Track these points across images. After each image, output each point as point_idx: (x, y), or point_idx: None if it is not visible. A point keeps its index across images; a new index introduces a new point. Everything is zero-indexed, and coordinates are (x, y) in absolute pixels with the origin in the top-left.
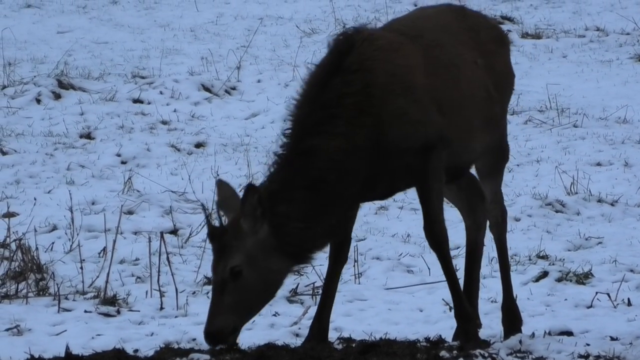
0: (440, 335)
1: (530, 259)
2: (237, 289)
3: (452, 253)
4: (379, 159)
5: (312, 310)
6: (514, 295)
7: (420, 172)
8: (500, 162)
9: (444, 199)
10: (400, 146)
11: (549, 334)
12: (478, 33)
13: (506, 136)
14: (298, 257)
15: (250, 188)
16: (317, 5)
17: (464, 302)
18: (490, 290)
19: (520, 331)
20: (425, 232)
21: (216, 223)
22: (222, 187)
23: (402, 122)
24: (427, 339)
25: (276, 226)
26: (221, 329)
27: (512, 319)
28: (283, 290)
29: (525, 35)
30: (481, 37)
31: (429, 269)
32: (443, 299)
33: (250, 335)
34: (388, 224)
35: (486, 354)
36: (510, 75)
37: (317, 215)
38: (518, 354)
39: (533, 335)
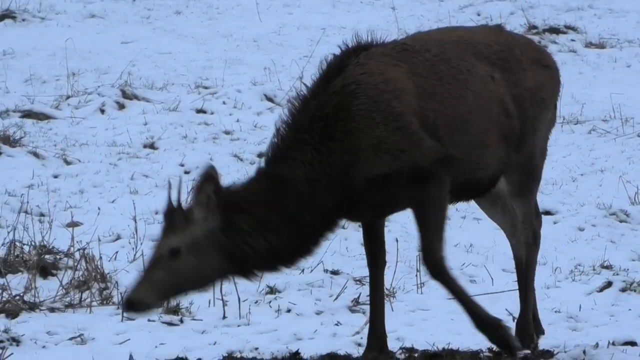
0: None
1: (594, 269)
2: (170, 270)
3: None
4: (354, 190)
5: None
6: (532, 311)
7: (416, 200)
8: (529, 182)
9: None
10: (376, 176)
11: (613, 344)
12: (511, 50)
13: (537, 155)
14: (240, 265)
15: (207, 177)
16: (380, 15)
17: (480, 310)
18: (554, 300)
19: (528, 348)
20: (422, 261)
21: (174, 204)
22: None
23: (378, 151)
24: (490, 349)
25: (228, 225)
26: (141, 301)
27: (522, 336)
28: (345, 300)
29: (589, 44)
30: (514, 54)
31: (492, 279)
32: (506, 309)
33: (313, 345)
34: (450, 234)
35: None
36: (546, 93)
37: (269, 235)
38: None
39: (597, 345)
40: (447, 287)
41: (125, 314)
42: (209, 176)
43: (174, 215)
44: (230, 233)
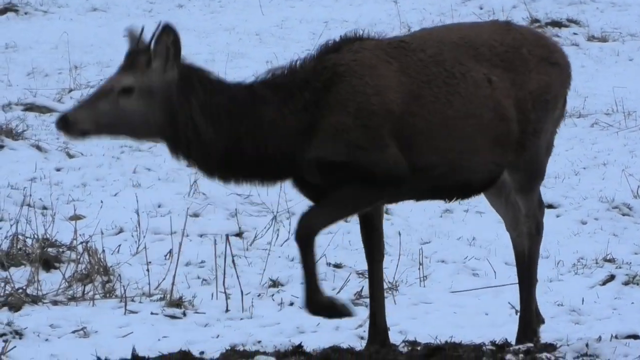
0: (506, 339)
1: (597, 263)
2: (116, 106)
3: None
4: (299, 158)
5: None
6: (535, 304)
7: (342, 188)
8: (532, 181)
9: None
10: (324, 158)
11: (616, 337)
12: (518, 49)
13: (542, 154)
14: (176, 134)
15: (165, 28)
16: (382, 9)
17: (318, 293)
18: (557, 293)
19: (531, 342)
20: (298, 222)
21: (141, 46)
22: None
23: (338, 137)
24: (492, 343)
25: (183, 87)
26: (76, 123)
27: (525, 330)
28: (348, 293)
29: (591, 38)
30: (521, 53)
31: (494, 272)
32: (509, 303)
33: (315, 338)
34: (453, 227)
35: (552, 357)
36: (551, 94)
37: (212, 124)
38: (584, 357)
39: (600, 338)
40: (301, 255)
41: (56, 127)
42: (168, 27)
43: (138, 56)
44: (182, 95)
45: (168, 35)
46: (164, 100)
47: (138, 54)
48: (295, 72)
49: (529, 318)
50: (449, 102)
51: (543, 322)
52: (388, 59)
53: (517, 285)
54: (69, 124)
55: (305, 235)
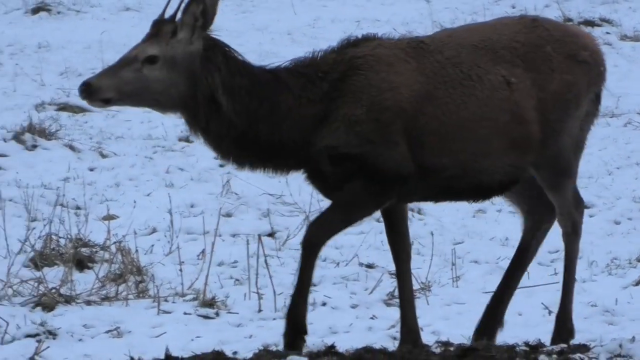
0: (539, 340)
1: (630, 263)
2: (140, 74)
3: (551, 257)
4: (312, 148)
5: None
6: (571, 305)
7: (347, 188)
8: (560, 178)
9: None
10: (335, 149)
11: None
12: (542, 48)
13: (568, 152)
14: (197, 106)
15: None
16: (414, 8)
17: (300, 305)
18: (590, 293)
19: (567, 342)
20: (307, 230)
21: (168, 16)
22: None
23: (350, 130)
24: (526, 343)
25: (207, 58)
26: (99, 90)
27: (560, 330)
28: (380, 294)
29: (624, 37)
30: (545, 52)
31: (527, 272)
32: (542, 303)
33: (348, 339)
34: (486, 227)
35: (586, 358)
36: (573, 93)
37: (232, 101)
38: (618, 358)
39: (633, 339)
40: (301, 263)
41: (79, 94)
42: None
43: (163, 25)
44: (206, 68)
45: (197, 5)
46: (187, 71)
47: (164, 24)
48: (316, 62)
49: (565, 318)
50: (464, 104)
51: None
52: (406, 57)
53: (551, 285)
54: (91, 91)
55: (313, 243)
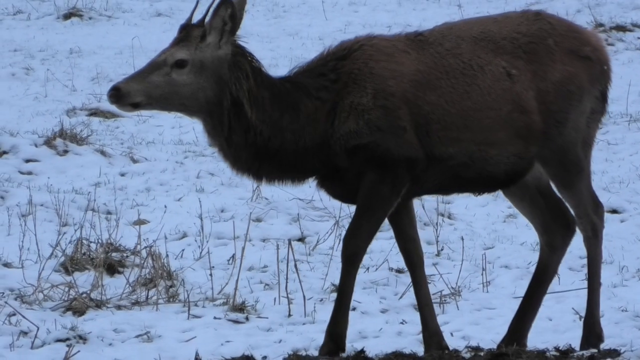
0: (570, 345)
1: None
2: (169, 78)
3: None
4: (328, 143)
5: (440, 319)
6: (598, 310)
7: (366, 190)
8: (570, 174)
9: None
10: (348, 139)
11: None
12: (543, 40)
13: (576, 147)
14: (223, 112)
15: (224, 1)
16: (445, 13)
17: (341, 319)
18: (621, 299)
19: (596, 348)
20: (343, 241)
21: (196, 21)
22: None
23: (359, 119)
24: (556, 348)
25: (235, 63)
26: (128, 94)
27: (588, 335)
28: (410, 299)
29: None
30: (547, 44)
31: (558, 277)
32: (573, 308)
33: (378, 343)
34: (517, 232)
35: None
36: (575, 85)
37: (256, 109)
38: None
39: None
40: (343, 276)
41: (108, 98)
42: (227, 1)
43: (192, 30)
44: (233, 74)
45: (226, 8)
46: (215, 76)
47: (192, 28)
48: (324, 57)
49: (593, 323)
50: (467, 94)
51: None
52: (405, 49)
53: (582, 290)
54: (120, 95)
55: (353, 254)
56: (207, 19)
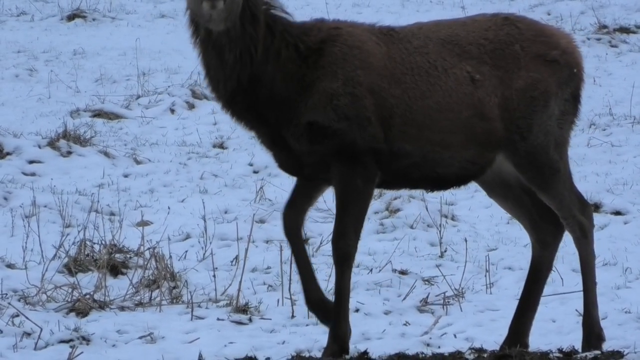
0: (573, 346)
1: None
2: None
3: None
4: (295, 119)
5: (443, 320)
6: (599, 312)
7: (339, 183)
8: (546, 177)
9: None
10: (315, 122)
11: None
12: (510, 46)
13: (548, 149)
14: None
15: None
16: (449, 14)
17: (342, 321)
18: (624, 300)
19: (597, 348)
20: (332, 244)
21: None
22: None
23: (329, 104)
24: (559, 350)
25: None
26: None
27: (588, 336)
28: (413, 300)
29: None
30: (513, 50)
31: (561, 279)
32: (576, 310)
33: (381, 345)
34: (520, 234)
35: None
36: (539, 90)
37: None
38: None
39: None
40: (338, 277)
41: None
42: None
43: None
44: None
45: None
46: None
47: None
48: (302, 28)
49: (592, 324)
50: (429, 92)
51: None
52: (377, 41)
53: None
54: None
55: (345, 254)
56: None
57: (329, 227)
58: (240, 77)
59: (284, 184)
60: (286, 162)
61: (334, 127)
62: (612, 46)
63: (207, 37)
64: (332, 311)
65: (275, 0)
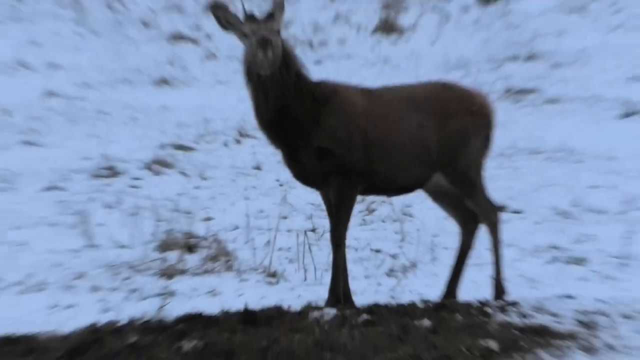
0: (486, 298)
1: (544, 249)
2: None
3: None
4: (310, 144)
5: (403, 282)
6: (504, 276)
7: (335, 192)
8: (469, 190)
9: (446, 212)
10: (323, 145)
11: (557, 297)
12: (447, 102)
13: (470, 171)
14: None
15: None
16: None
17: (337, 283)
18: (519, 269)
19: (502, 299)
20: (330, 233)
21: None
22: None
23: (333, 135)
24: (478, 301)
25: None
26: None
27: (496, 292)
28: (384, 269)
29: (546, 101)
30: (449, 106)
31: (479, 255)
32: (489, 275)
33: (362, 298)
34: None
35: (515, 310)
36: (464, 132)
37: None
38: (536, 309)
39: (547, 297)
40: (334, 256)
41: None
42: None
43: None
44: (286, 49)
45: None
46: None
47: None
48: (316, 82)
49: (499, 284)
50: (394, 132)
51: (506, 292)
52: (361, 96)
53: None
54: (268, 44)
55: (338, 241)
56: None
57: (328, 222)
58: (276, 108)
59: (299, 193)
60: (299, 173)
61: (335, 151)
62: (515, 102)
63: (257, 80)
64: (331, 278)
65: (301, 59)
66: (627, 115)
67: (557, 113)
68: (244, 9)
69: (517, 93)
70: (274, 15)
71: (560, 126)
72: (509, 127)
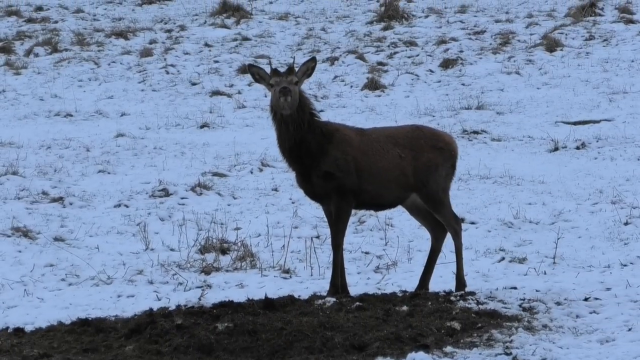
0: (451, 290)
1: (495, 251)
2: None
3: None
4: (317, 168)
5: (387, 277)
6: (464, 272)
7: (335, 207)
8: (437, 207)
9: (417, 220)
10: (327, 171)
11: (504, 288)
12: (418, 140)
13: (438, 193)
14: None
15: (313, 59)
16: (390, 123)
17: (336, 277)
18: (475, 266)
19: (462, 290)
20: (331, 240)
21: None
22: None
23: (334, 164)
24: (444, 291)
25: (304, 99)
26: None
27: (458, 284)
28: (372, 266)
29: (494, 139)
30: (420, 142)
31: (445, 256)
32: (452, 271)
33: (356, 289)
34: (425, 234)
35: (473, 298)
36: (433, 163)
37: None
38: (489, 298)
39: (497, 288)
40: (333, 257)
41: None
42: (314, 58)
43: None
44: (302, 99)
45: (313, 62)
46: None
47: (292, 70)
48: (324, 122)
49: (460, 278)
50: (380, 161)
51: (466, 285)
52: (355, 135)
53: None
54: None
55: (337, 245)
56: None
57: (329, 230)
58: (295, 139)
59: (307, 209)
60: (307, 190)
61: (337, 175)
62: (469, 140)
63: (280, 118)
64: (332, 273)
65: (313, 104)
66: (554, 150)
67: (501, 148)
68: (271, 66)
69: (471, 133)
70: (293, 70)
71: (503, 158)
72: (465, 158)
